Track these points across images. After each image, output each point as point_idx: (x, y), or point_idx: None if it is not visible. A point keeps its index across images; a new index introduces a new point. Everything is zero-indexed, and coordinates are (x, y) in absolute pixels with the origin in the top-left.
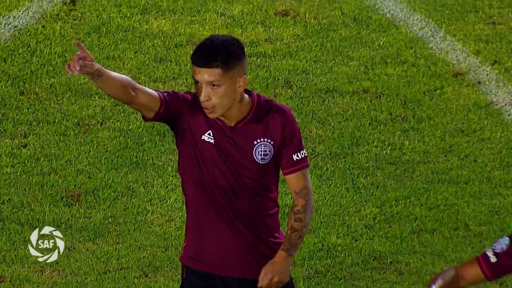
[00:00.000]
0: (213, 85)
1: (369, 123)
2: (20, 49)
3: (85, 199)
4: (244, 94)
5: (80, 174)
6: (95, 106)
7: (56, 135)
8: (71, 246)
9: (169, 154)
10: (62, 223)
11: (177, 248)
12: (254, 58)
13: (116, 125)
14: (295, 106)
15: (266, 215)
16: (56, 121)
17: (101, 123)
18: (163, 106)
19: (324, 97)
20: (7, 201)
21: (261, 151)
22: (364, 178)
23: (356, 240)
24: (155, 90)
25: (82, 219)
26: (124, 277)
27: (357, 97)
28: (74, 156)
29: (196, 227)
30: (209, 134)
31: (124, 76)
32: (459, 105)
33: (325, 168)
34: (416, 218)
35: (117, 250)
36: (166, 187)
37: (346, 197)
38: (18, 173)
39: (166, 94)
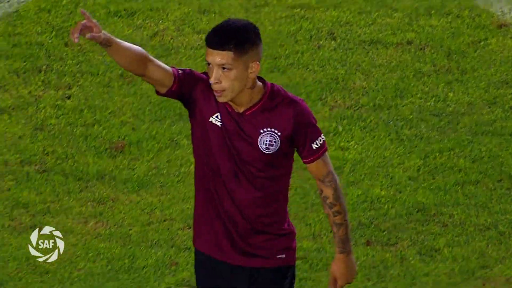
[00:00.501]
0: (224, 68)
1: (413, 75)
2: (64, 1)
3: (129, 151)
4: (257, 81)
5: (123, 126)
6: None
7: (100, 87)
8: (115, 198)
9: None
10: (106, 174)
11: None
12: (298, 10)
13: None
14: (338, 58)
15: (269, 207)
16: (100, 72)
17: None
18: (176, 84)
19: (368, 48)
20: (51, 152)
21: (266, 140)
22: (408, 130)
23: (400, 192)
24: (171, 67)
25: (126, 171)
26: (168, 229)
27: (401, 48)
28: (117, 108)
29: (198, 210)
30: (216, 116)
31: (137, 47)
32: (503, 56)
33: (368, 120)
34: (460, 170)
35: (160, 202)
36: None
37: (389, 149)
38: (62, 124)
39: (181, 72)
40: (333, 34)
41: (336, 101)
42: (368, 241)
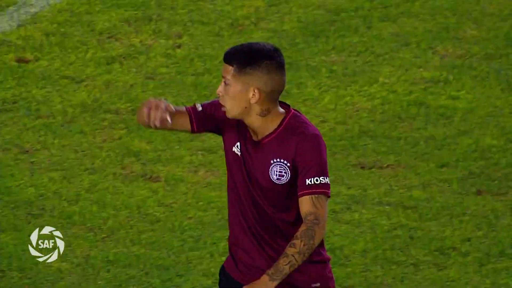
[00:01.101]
0: (226, 83)
1: None
2: None
3: None
4: (279, 109)
5: None
6: (249, 7)
7: (210, 36)
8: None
9: (322, 55)
10: None
11: (331, 149)
12: None
13: (270, 26)
14: (449, 7)
15: (289, 234)
16: (211, 21)
17: (255, 24)
18: (194, 124)
19: None
20: None
21: (276, 171)
22: None
23: (511, 142)
24: (188, 107)
25: None
26: None
27: None
28: None
29: (231, 233)
30: (237, 146)
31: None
32: None
33: (479, 69)
34: None
35: None
36: (320, 88)
37: (501, 98)
38: (173, 73)
39: (199, 110)
40: None
41: (447, 50)
42: (479, 190)
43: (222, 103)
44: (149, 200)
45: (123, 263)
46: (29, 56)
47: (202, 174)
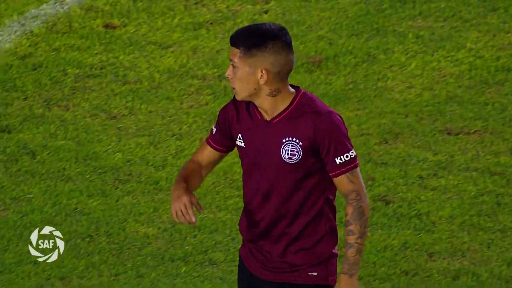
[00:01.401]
0: (233, 66)
1: None
2: None
3: (326, 65)
4: (289, 89)
5: (320, 40)
6: None
7: (298, 1)
8: None
9: (410, 20)
10: (306, 88)
11: (417, 115)
12: None
13: None
14: None
15: (303, 219)
16: None
17: None
18: (219, 149)
19: None
20: None
21: (288, 150)
22: None
23: None
24: (207, 139)
25: (323, 85)
26: (364, 143)
27: None
28: (315, 22)
29: (245, 224)
30: (239, 138)
31: (193, 168)
32: None
33: None
34: None
35: (357, 116)
36: (407, 53)
37: None
38: None
39: (214, 136)
40: None
41: None
42: None
43: (232, 85)
44: (235, 166)
45: (209, 229)
46: (116, 22)
47: None
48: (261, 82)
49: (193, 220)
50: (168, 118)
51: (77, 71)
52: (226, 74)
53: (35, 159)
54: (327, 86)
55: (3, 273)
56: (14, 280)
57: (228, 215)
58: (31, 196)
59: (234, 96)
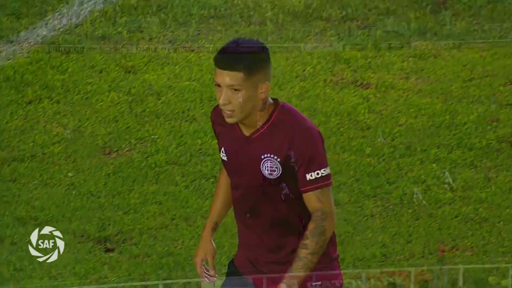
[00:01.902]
0: (234, 89)
1: None
2: None
3: (451, 6)
4: (270, 100)
5: None
6: None
7: None
8: (436, 53)
9: None
10: (427, 30)
11: None
12: None
13: None
14: None
15: (291, 231)
16: None
17: None
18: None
19: None
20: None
21: (267, 167)
22: None
23: None
24: (223, 167)
25: (448, 26)
26: (490, 85)
27: None
28: None
29: (239, 234)
30: (222, 151)
31: (224, 196)
32: None
33: None
34: None
35: (482, 58)
36: None
37: None
38: None
39: (225, 161)
40: None
41: None
42: None
43: (229, 110)
44: (360, 106)
45: (333, 170)
46: None
47: (412, 81)
48: (262, 96)
49: (207, 281)
50: (292, 59)
51: (202, 12)
52: (223, 101)
53: (160, 99)
54: (452, 27)
55: (129, 213)
56: (139, 220)
57: (352, 156)
58: (156, 137)
59: (213, 111)
